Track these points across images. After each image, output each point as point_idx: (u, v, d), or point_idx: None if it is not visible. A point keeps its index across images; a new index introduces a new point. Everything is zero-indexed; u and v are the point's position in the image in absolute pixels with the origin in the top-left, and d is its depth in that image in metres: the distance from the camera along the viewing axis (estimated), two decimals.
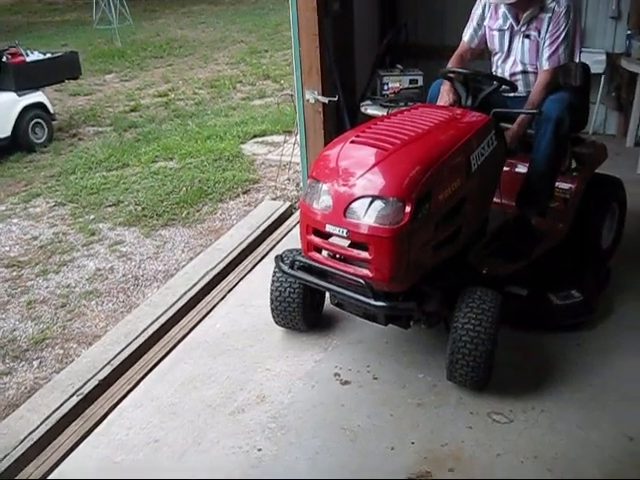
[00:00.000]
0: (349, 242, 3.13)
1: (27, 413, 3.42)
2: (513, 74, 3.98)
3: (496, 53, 4.06)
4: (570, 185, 3.99)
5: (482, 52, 4.17)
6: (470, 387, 3.24)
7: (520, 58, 3.92)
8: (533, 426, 3.07)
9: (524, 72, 3.95)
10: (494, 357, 3.19)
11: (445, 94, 3.86)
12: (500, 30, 3.94)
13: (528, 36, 3.85)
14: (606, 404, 3.19)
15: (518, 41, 3.90)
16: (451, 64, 4.00)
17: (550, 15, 3.75)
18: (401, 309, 3.18)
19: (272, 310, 3.70)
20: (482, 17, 4.00)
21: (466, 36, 4.08)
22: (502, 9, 3.88)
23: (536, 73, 3.89)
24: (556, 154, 3.76)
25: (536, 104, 3.73)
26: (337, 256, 3.22)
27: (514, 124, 3.73)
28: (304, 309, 3.63)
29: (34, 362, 4.23)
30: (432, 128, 3.33)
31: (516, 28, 3.87)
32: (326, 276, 3.29)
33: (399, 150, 3.13)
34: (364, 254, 3.04)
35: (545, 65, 3.80)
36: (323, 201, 3.14)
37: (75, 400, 3.47)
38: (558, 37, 3.75)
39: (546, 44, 3.78)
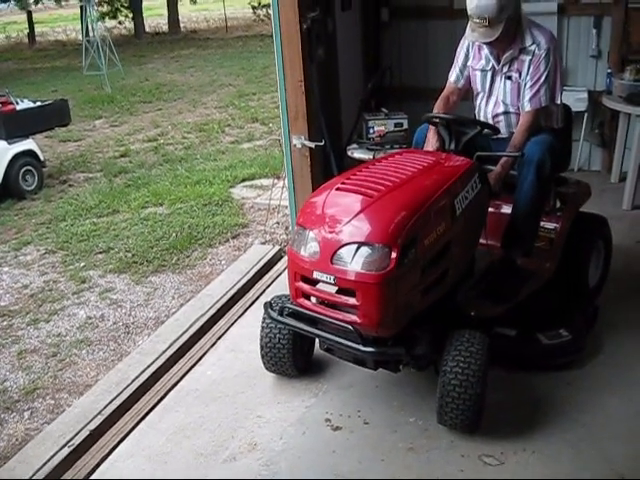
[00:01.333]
0: (337, 288, 3.16)
1: (18, 465, 3.41)
2: (495, 115, 4.04)
3: (478, 93, 4.12)
4: (555, 225, 4.04)
5: (468, 92, 4.23)
6: (461, 430, 3.24)
7: (502, 99, 3.97)
8: (525, 468, 3.07)
9: (506, 113, 4.01)
10: (484, 399, 3.21)
11: (430, 139, 3.92)
12: (482, 70, 4.00)
13: (510, 77, 3.91)
14: (597, 443, 3.19)
15: (500, 82, 3.96)
16: (437, 107, 4.05)
17: (530, 57, 3.81)
18: (390, 354, 3.20)
19: (262, 357, 3.71)
20: (466, 57, 4.06)
21: (452, 77, 4.14)
22: (485, 50, 3.94)
23: (518, 114, 3.95)
24: (539, 196, 3.81)
25: (518, 146, 3.79)
26: (325, 302, 3.24)
27: (497, 166, 3.78)
28: (294, 355, 3.65)
29: (25, 413, 4.22)
30: (416, 173, 3.38)
31: (497, 68, 3.94)
32: (315, 322, 3.31)
33: (384, 196, 3.18)
34: (352, 300, 3.06)
35: (527, 107, 3.86)
36: (310, 248, 3.17)
37: (66, 451, 3.45)
38: (539, 79, 3.82)
39: (527, 86, 3.84)
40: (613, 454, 3.12)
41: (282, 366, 3.70)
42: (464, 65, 4.08)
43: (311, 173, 5.22)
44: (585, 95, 6.52)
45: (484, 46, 3.91)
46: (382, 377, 3.67)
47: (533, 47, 3.80)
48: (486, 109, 4.08)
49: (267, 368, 3.77)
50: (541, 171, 3.73)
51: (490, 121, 4.02)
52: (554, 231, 4.03)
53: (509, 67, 3.90)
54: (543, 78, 3.82)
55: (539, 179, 3.74)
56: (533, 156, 3.72)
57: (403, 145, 5.52)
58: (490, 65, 3.96)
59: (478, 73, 4.03)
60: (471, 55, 4.04)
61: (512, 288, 3.82)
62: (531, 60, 3.81)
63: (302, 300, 3.30)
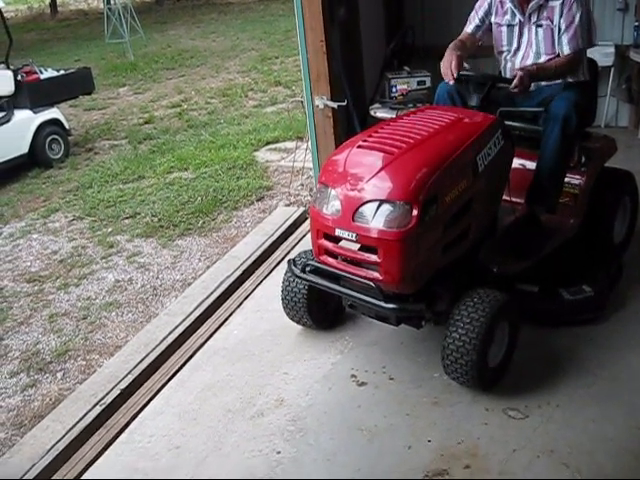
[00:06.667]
0: (359, 246, 3.18)
1: (52, 423, 3.51)
2: (523, 62, 3.95)
3: (503, 49, 4.04)
4: (579, 180, 3.99)
5: (479, 48, 4.16)
6: (464, 384, 3.26)
7: (535, 50, 3.90)
8: (548, 421, 3.10)
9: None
10: (486, 356, 3.17)
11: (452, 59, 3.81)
12: (509, 25, 3.94)
13: (540, 25, 3.84)
14: (620, 398, 3.20)
15: (530, 32, 3.89)
16: (453, 45, 3.92)
17: (561, 2, 3.74)
18: (411, 310, 3.22)
19: (282, 300, 3.80)
20: (488, 12, 4.01)
21: (469, 28, 4.08)
22: (508, 4, 3.90)
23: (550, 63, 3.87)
24: (564, 152, 3.77)
25: (549, 71, 3.76)
26: (347, 260, 3.27)
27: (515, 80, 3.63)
28: (309, 303, 3.70)
29: (58, 374, 4.33)
30: (438, 130, 3.36)
31: (523, 21, 3.88)
32: (337, 279, 3.34)
33: (405, 153, 3.18)
34: (373, 257, 3.08)
35: (566, 50, 3.79)
36: (332, 206, 3.20)
37: (98, 410, 3.55)
38: (573, 21, 3.74)
39: (562, 30, 3.77)
40: (635, 409, 3.13)
41: (297, 312, 3.77)
42: (483, 20, 4.03)
43: (334, 134, 5.23)
44: (612, 49, 6.41)
45: (507, 1, 3.87)
46: (407, 334, 3.70)
47: None
48: (514, 62, 3.99)
49: (287, 314, 3.84)
50: (567, 127, 3.69)
51: None
52: (578, 187, 3.98)
53: (538, 16, 3.83)
54: (577, 20, 3.74)
55: (564, 135, 3.70)
56: (559, 112, 3.68)
57: (426, 103, 5.47)
58: (516, 19, 3.90)
59: (504, 29, 3.97)
60: (493, 10, 3.99)
61: (536, 244, 3.81)
62: (562, 4, 3.74)
63: (324, 257, 3.33)
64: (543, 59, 3.90)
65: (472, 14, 4.09)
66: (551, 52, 3.88)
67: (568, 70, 3.83)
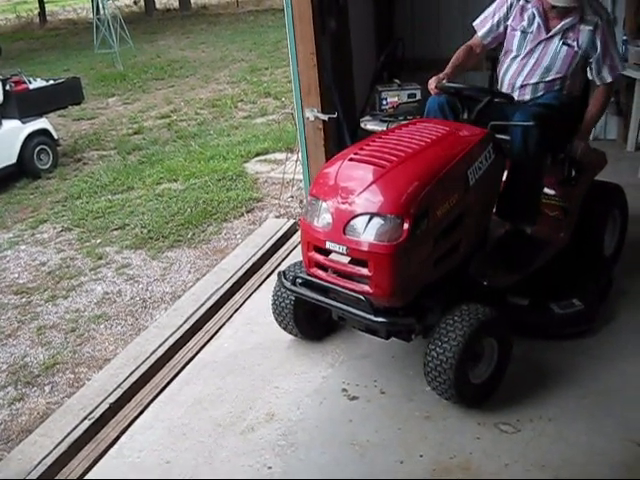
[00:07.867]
0: (349, 259, 3.17)
1: (40, 438, 3.46)
2: (527, 77, 3.94)
3: (510, 54, 4.01)
4: (569, 194, 4.01)
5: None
6: (448, 400, 3.24)
7: (547, 64, 3.87)
8: (540, 435, 3.09)
9: (537, 83, 3.91)
10: (467, 374, 3.16)
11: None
12: (523, 32, 3.92)
13: (567, 44, 3.83)
14: (612, 410, 3.20)
15: (548, 47, 3.86)
16: (457, 55, 4.03)
17: (591, 28, 3.75)
18: (401, 324, 3.22)
19: (273, 312, 3.80)
20: (506, 17, 3.98)
21: (481, 32, 4.07)
22: (530, 11, 3.88)
23: (555, 80, 3.89)
24: (531, 162, 3.71)
25: (592, 123, 3.99)
26: (338, 272, 3.25)
27: (577, 141, 3.86)
28: (297, 315, 3.71)
29: (46, 387, 4.29)
30: (429, 144, 3.36)
31: (544, 34, 3.85)
32: (327, 292, 3.33)
33: (396, 167, 3.17)
34: (364, 270, 3.08)
35: (607, 78, 3.86)
36: (323, 219, 3.19)
37: (87, 424, 3.51)
38: (610, 49, 3.81)
39: (600, 58, 3.81)
40: (628, 421, 3.12)
41: (287, 324, 3.78)
42: (498, 24, 4.01)
43: (325, 146, 5.23)
44: None
45: (528, 7, 3.87)
46: (398, 347, 3.69)
47: (595, 19, 3.75)
48: (519, 70, 3.96)
49: (275, 319, 3.83)
50: (528, 137, 3.63)
51: (518, 84, 3.95)
52: (568, 200, 3.99)
53: (564, 34, 3.82)
54: (613, 49, 3.83)
55: (527, 145, 3.65)
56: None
57: (417, 116, 5.48)
58: (533, 28, 3.88)
59: (517, 33, 3.94)
60: (512, 14, 3.96)
61: (526, 258, 3.80)
62: (592, 31, 3.76)
63: (315, 270, 3.32)
64: (551, 76, 3.88)
65: (486, 17, 4.07)
66: (563, 73, 3.87)
67: (607, 100, 3.95)
